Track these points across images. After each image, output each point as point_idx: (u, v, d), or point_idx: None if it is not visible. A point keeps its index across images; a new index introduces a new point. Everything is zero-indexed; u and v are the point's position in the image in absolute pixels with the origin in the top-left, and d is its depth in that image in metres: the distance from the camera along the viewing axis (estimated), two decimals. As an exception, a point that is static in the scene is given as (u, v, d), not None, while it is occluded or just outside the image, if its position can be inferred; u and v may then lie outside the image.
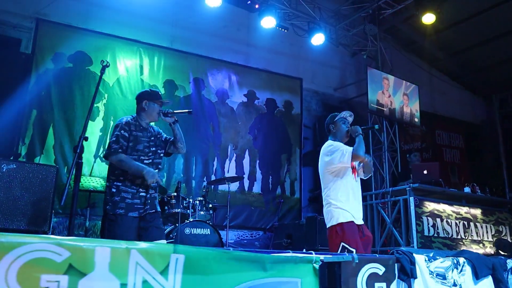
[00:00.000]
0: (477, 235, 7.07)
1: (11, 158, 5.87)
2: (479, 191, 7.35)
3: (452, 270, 2.55)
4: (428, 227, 6.46)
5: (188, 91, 7.97)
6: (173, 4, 7.98)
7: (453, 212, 6.88)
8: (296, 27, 8.27)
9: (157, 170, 3.68)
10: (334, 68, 9.72)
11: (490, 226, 7.27)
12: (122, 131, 3.56)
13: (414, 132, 10.21)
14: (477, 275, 2.65)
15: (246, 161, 8.22)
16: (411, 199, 6.41)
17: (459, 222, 6.89)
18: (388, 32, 9.90)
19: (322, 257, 1.97)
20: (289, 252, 1.93)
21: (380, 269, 2.20)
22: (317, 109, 9.25)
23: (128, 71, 7.52)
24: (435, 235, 6.50)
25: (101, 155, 7.08)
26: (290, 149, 8.77)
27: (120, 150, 3.51)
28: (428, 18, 7.37)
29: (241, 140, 8.24)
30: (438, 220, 6.62)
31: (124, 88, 7.42)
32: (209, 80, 8.21)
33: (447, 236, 6.65)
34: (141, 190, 3.56)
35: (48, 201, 4.88)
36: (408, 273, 2.25)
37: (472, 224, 7.05)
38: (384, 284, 2.20)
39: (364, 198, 7.61)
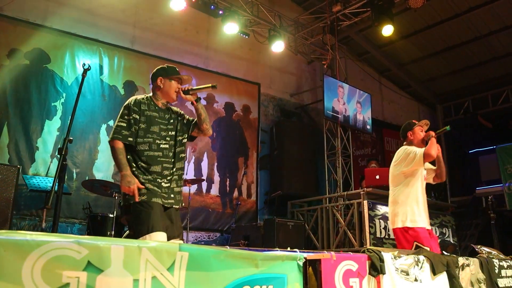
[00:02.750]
0: (423, 237, 7.52)
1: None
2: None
3: (414, 267, 2.80)
4: (380, 229, 6.83)
5: (148, 92, 7.94)
6: (134, 5, 7.99)
7: (403, 215, 7.29)
8: (257, 33, 8.47)
9: (182, 158, 3.33)
10: (291, 75, 10.01)
11: (435, 229, 7.74)
12: (131, 112, 3.19)
13: (365, 138, 10.68)
14: (434, 271, 2.93)
15: (204, 164, 8.31)
16: (365, 202, 6.75)
17: (408, 225, 7.31)
18: (342, 42, 10.31)
19: (305, 255, 2.15)
20: (277, 251, 2.10)
21: (354, 266, 2.41)
22: (274, 114, 9.48)
23: (88, 70, 7.40)
24: (386, 236, 6.87)
25: (57, 155, 6.96)
26: (247, 152, 8.95)
27: (119, 137, 3.12)
28: (387, 30, 7.75)
29: (199, 143, 8.32)
30: (389, 223, 6.99)
31: (82, 87, 7.30)
32: (169, 82, 8.22)
33: (396, 237, 7.04)
34: (160, 180, 3.15)
35: (9, 202, 4.79)
36: (378, 269, 2.47)
37: (419, 226, 7.49)
38: (357, 280, 2.40)
39: (319, 201, 7.97)
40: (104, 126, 7.41)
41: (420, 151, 4.08)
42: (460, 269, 3.22)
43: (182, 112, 3.52)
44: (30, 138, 6.75)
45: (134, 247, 1.59)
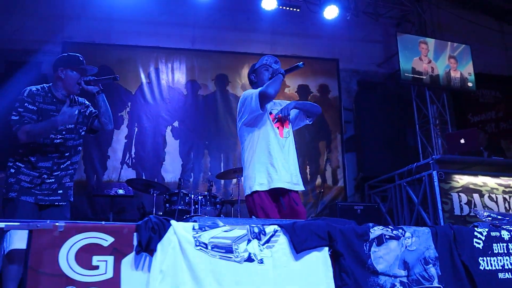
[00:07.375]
0: (539, 211, 5.79)
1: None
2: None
3: (248, 241, 2.05)
4: (460, 205, 5.46)
5: (212, 88, 7.92)
6: (192, 6, 8.00)
7: (499, 185, 5.72)
8: (310, 3, 7.68)
9: (79, 151, 3.29)
10: (377, 43, 8.85)
11: (496, 196, 5.81)
12: (26, 104, 3.04)
13: (485, 100, 8.79)
14: (296, 248, 2.10)
15: (278, 153, 7.84)
16: (434, 173, 5.49)
17: (510, 197, 5.71)
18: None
19: (2, 225, 1.73)
20: None
21: (105, 240, 1.85)
22: (358, 90, 8.48)
23: (149, 77, 7.73)
24: (471, 213, 5.47)
25: (127, 161, 7.35)
26: (329, 136, 8.17)
27: (25, 121, 2.99)
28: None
29: (271, 132, 7.90)
30: (476, 196, 5.57)
31: (146, 94, 7.64)
32: (234, 74, 8.06)
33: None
34: (47, 175, 3.07)
35: None
36: (142, 245, 1.87)
37: (530, 197, 5.80)
38: (110, 258, 1.83)
39: (392, 179, 6.79)
40: (169, 128, 7.58)
41: (255, 93, 3.23)
42: (375, 243, 2.27)
43: (88, 103, 3.41)
44: (102, 148, 7.29)
45: None
